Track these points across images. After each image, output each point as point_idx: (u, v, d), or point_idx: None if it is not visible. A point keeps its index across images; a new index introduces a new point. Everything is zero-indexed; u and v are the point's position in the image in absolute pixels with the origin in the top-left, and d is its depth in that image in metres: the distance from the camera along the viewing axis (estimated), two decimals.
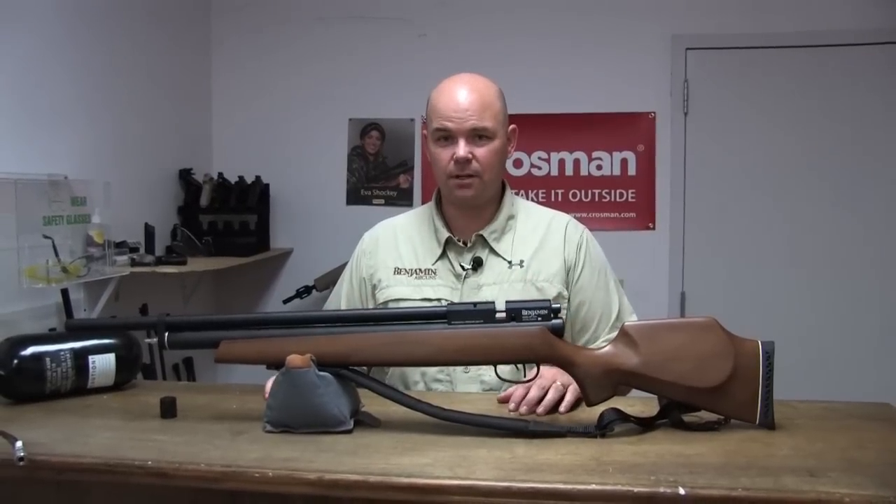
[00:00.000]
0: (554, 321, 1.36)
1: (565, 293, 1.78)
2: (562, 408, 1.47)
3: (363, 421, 1.38)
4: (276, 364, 1.37)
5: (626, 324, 1.37)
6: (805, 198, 3.68)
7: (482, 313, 1.37)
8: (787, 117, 3.68)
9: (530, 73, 3.71)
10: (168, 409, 1.45)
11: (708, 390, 1.32)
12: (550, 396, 1.47)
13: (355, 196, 4.03)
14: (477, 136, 1.72)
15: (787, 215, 3.70)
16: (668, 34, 3.74)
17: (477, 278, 1.77)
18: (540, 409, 1.46)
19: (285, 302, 3.85)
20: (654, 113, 3.79)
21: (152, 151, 3.54)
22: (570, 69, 3.81)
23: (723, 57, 3.71)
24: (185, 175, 3.78)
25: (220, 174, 3.88)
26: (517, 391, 1.49)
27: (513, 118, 1.80)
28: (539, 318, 1.36)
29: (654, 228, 3.81)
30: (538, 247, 1.80)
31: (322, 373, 1.34)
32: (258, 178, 3.87)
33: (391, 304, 1.79)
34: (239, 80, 4.07)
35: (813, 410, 1.46)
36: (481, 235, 1.79)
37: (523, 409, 1.46)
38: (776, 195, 3.70)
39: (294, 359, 1.34)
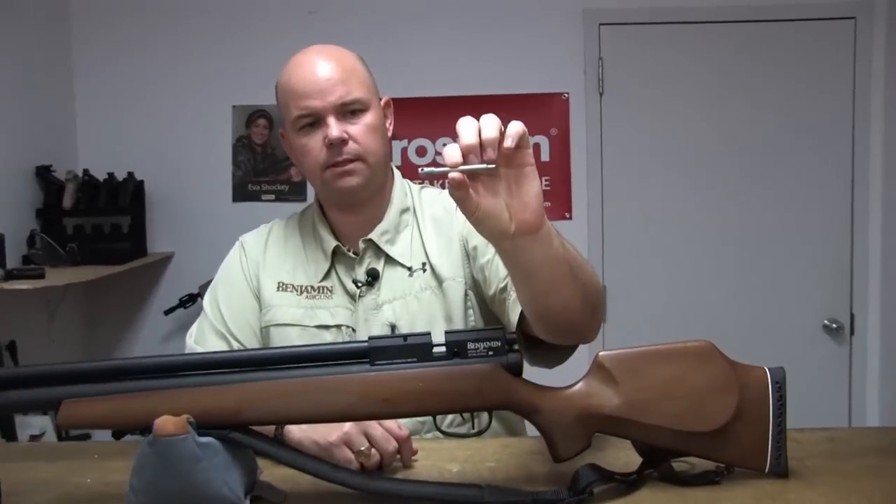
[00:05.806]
0: (510, 355, 1.05)
1: (473, 275, 1.45)
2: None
3: (263, 497, 1.07)
4: (140, 428, 1.02)
5: (601, 354, 1.08)
6: (727, 180, 3.55)
7: (415, 349, 1.05)
8: (708, 96, 3.55)
9: (430, 53, 3.43)
10: None
11: (707, 434, 1.05)
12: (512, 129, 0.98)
13: (242, 192, 3.70)
14: (348, 111, 1.43)
15: (709, 199, 3.57)
16: (579, 8, 3.54)
17: (374, 296, 1.47)
18: (508, 143, 0.96)
19: (167, 313, 3.52)
20: (568, 94, 3.58)
21: (2, 146, 3.11)
22: (475, 48, 3.55)
23: (639, 33, 3.54)
24: (43, 172, 3.37)
25: (86, 171, 3.50)
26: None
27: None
28: (490, 353, 1.05)
29: (570, 218, 3.60)
30: (439, 239, 1.49)
31: (204, 439, 1.00)
32: (131, 174, 3.51)
33: (274, 330, 1.48)
34: (106, 65, 3.66)
35: (819, 443, 1.21)
36: (371, 240, 1.48)
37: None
38: (698, 178, 3.57)
39: (165, 422, 0.99)
